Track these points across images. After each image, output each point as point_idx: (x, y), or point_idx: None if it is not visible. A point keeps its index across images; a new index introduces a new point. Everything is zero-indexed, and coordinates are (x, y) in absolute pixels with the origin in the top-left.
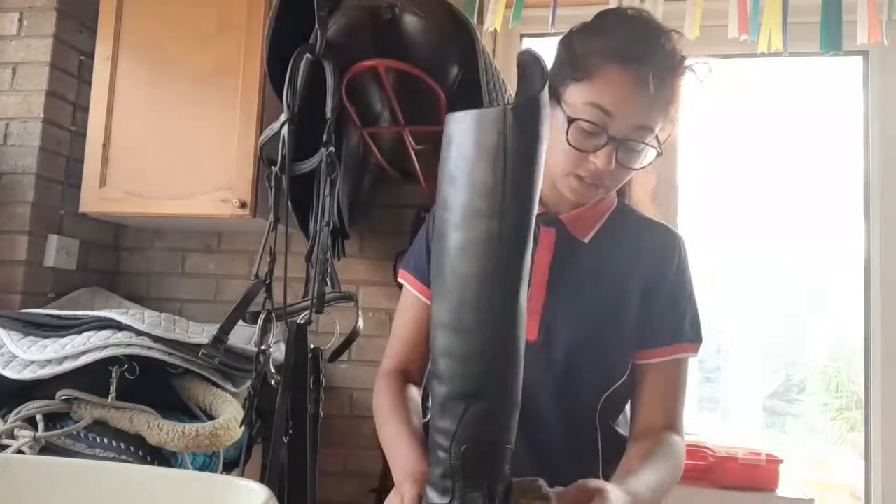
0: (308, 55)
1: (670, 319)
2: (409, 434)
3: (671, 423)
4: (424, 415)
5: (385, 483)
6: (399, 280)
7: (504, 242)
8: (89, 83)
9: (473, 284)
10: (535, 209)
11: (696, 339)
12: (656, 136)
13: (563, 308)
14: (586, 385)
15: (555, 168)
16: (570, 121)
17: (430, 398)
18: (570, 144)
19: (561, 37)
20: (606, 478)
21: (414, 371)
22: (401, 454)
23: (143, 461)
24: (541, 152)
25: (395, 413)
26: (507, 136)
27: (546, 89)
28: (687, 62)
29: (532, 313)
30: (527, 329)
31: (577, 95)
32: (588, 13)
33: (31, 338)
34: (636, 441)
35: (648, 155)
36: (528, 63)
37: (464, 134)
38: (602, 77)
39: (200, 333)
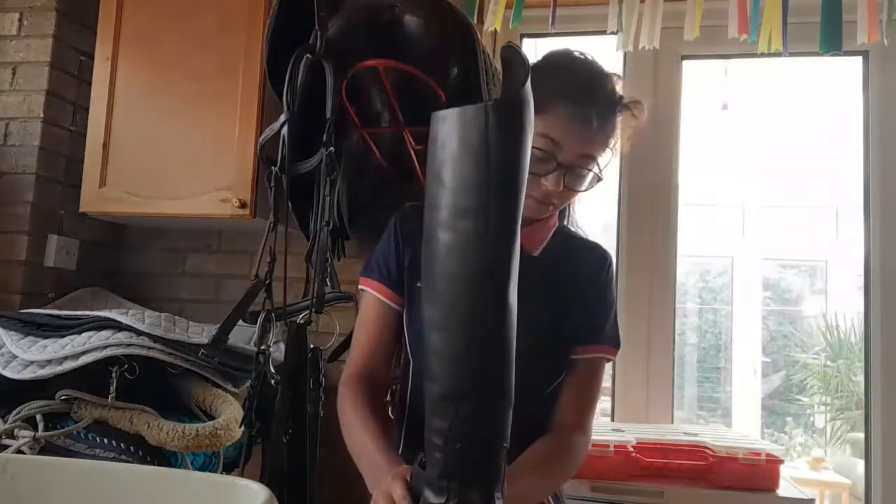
0: (308, 55)
1: (593, 323)
2: (377, 438)
3: (579, 423)
4: (393, 417)
5: None
6: (360, 287)
7: (490, 241)
8: (89, 83)
9: (462, 284)
10: (521, 206)
11: (614, 343)
12: (598, 164)
13: (517, 315)
14: (534, 383)
15: None
16: None
17: (396, 398)
18: None
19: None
20: None
21: (378, 376)
22: (372, 458)
23: (143, 461)
24: (525, 149)
25: (360, 419)
26: (489, 132)
27: (528, 85)
28: (625, 101)
29: None
30: None
31: None
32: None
33: (31, 338)
34: (546, 435)
35: (591, 180)
36: (510, 59)
37: (448, 132)
38: (552, 112)
39: (200, 333)
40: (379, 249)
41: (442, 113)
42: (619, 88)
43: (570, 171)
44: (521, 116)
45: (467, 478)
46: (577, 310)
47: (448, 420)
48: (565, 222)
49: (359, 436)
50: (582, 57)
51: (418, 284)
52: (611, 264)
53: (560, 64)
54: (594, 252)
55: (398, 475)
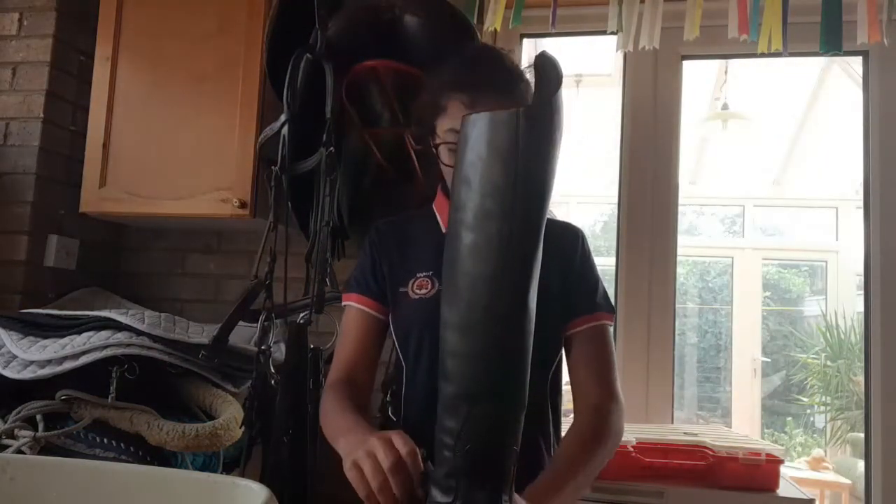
0: (308, 55)
1: (584, 293)
2: (357, 419)
3: (607, 392)
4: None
5: None
6: (344, 303)
7: (513, 244)
8: (89, 83)
9: (481, 285)
10: (546, 212)
11: (609, 309)
12: None
13: None
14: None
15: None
16: (436, 146)
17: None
18: (443, 164)
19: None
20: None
21: (360, 381)
22: (351, 429)
23: (143, 461)
24: (553, 155)
25: (339, 410)
26: (518, 137)
27: (560, 92)
28: (523, 69)
29: None
30: None
31: (441, 127)
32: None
33: (31, 338)
34: (576, 418)
35: None
36: (543, 66)
37: (478, 135)
38: (450, 107)
39: (200, 333)
40: (357, 266)
41: (473, 116)
42: (512, 62)
43: None
44: (551, 123)
45: (476, 478)
46: (561, 289)
47: (460, 420)
48: None
49: (336, 421)
50: (466, 50)
51: (401, 289)
52: (584, 238)
53: (451, 60)
54: (567, 230)
55: (390, 433)
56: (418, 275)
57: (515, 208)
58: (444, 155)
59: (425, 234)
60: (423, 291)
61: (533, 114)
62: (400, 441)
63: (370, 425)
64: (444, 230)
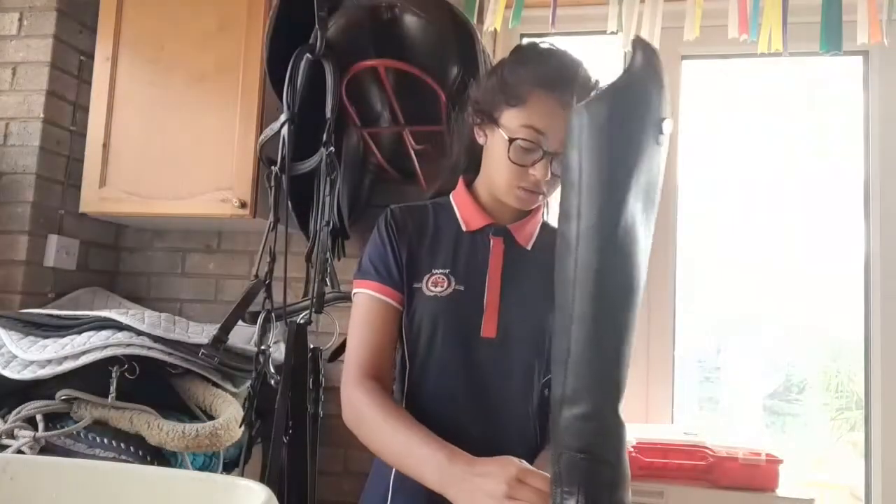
0: (308, 55)
1: None
2: (424, 431)
3: None
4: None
5: None
6: (356, 291)
7: (582, 245)
8: (89, 83)
9: (561, 288)
10: (622, 210)
11: None
12: None
13: (516, 308)
14: (534, 373)
15: (500, 182)
16: (511, 140)
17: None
18: (511, 161)
19: (490, 69)
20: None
21: (386, 376)
22: (433, 449)
23: (143, 461)
24: (619, 150)
25: (391, 418)
26: (576, 134)
27: (628, 86)
28: (597, 85)
29: (491, 313)
30: (487, 327)
31: (512, 119)
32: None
33: (31, 338)
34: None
35: None
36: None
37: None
38: (533, 102)
39: (200, 333)
40: (371, 252)
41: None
42: (591, 75)
43: (556, 158)
44: (611, 117)
45: (568, 486)
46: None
47: (555, 427)
48: (545, 218)
49: (397, 433)
50: (552, 47)
51: (415, 284)
52: None
53: (533, 55)
54: None
55: (508, 461)
56: (434, 271)
57: (580, 208)
58: (514, 152)
59: (443, 229)
60: (439, 289)
61: (586, 110)
62: (540, 480)
63: (440, 439)
64: (463, 227)
